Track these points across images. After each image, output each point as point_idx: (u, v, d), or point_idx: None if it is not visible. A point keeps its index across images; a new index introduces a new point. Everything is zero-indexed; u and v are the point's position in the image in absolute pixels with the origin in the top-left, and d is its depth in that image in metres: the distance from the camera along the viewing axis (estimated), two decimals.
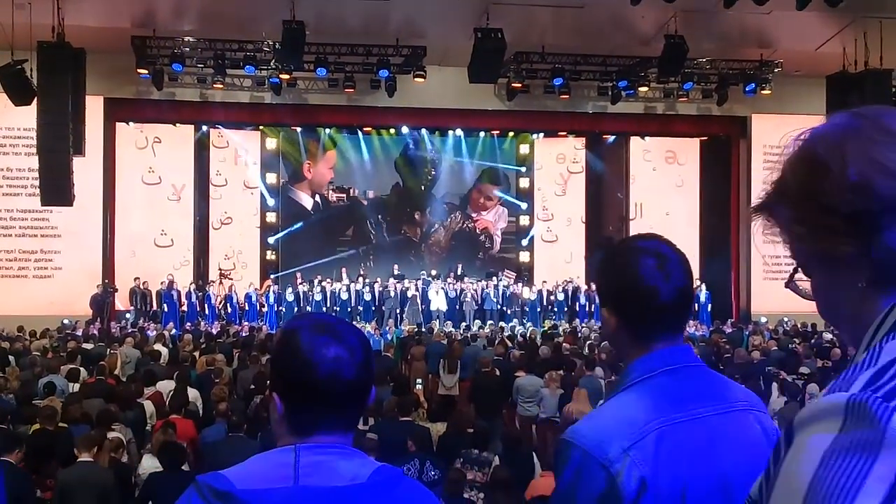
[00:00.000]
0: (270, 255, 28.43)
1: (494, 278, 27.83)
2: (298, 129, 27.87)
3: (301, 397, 1.90)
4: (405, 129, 27.92)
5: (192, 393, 11.95)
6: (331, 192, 29.23)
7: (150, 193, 26.20)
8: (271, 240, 28.51)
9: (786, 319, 23.75)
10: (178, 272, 26.02)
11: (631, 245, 2.14)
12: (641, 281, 2.03)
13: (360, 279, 26.62)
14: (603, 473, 1.90)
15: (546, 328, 22.18)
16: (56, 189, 18.82)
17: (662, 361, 2.04)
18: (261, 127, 27.39)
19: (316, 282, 26.14)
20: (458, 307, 26.08)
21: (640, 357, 2.07)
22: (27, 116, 19.45)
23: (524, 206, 30.02)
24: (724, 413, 2.03)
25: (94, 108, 21.81)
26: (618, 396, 2.07)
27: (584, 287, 27.25)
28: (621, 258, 2.12)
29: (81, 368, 13.81)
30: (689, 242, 28.20)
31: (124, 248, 25.27)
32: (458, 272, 28.12)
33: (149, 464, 8.36)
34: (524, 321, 24.96)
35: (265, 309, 25.69)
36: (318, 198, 29.14)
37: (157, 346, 17.37)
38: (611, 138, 28.92)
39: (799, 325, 22.60)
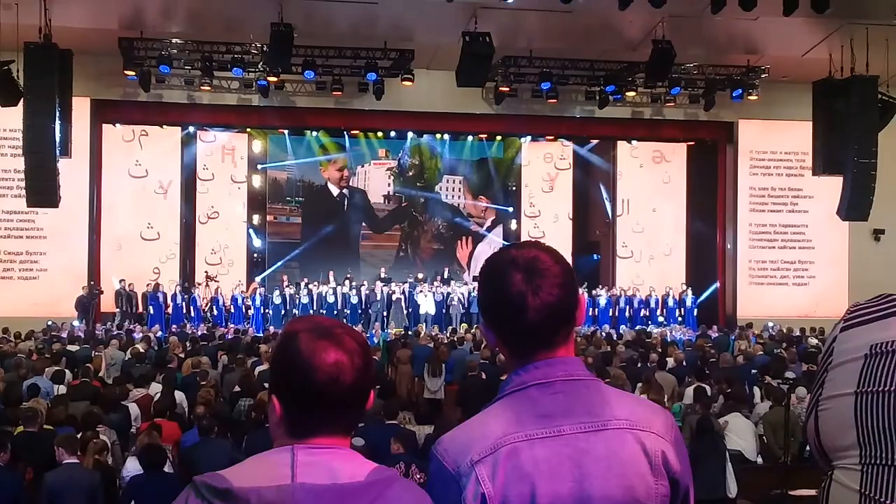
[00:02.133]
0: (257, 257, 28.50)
1: None
2: (286, 132, 27.84)
3: (300, 401, 1.92)
4: (393, 133, 27.95)
5: (178, 395, 11.94)
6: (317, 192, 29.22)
7: (137, 186, 26.10)
8: (257, 242, 28.51)
9: (771, 324, 23.82)
10: (164, 265, 26.06)
11: (503, 257, 2.07)
12: (508, 296, 1.99)
13: (347, 282, 26.59)
14: (454, 486, 1.91)
15: None
16: (42, 190, 18.73)
17: (535, 375, 2.01)
18: (248, 129, 27.32)
19: (302, 284, 26.08)
20: (444, 311, 26.08)
21: (516, 370, 2.04)
22: (13, 117, 19.34)
23: (511, 209, 30.00)
24: (593, 430, 1.97)
25: (81, 109, 21.74)
26: (486, 409, 2.06)
27: None
28: (492, 271, 2.06)
29: (66, 370, 13.77)
30: (675, 247, 28.33)
31: (110, 247, 25.19)
32: (445, 275, 28.12)
33: (133, 466, 8.33)
34: None
35: (251, 311, 25.63)
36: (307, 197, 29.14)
37: (142, 348, 17.33)
38: (594, 142, 29.03)
39: (785, 330, 22.64)
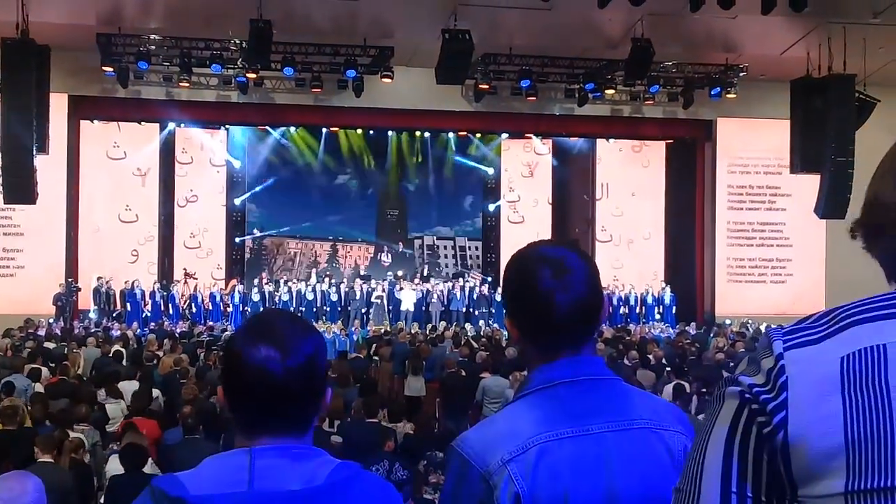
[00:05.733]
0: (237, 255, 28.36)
1: (461, 279, 27.79)
2: (265, 129, 27.70)
3: (236, 396, 1.91)
4: (371, 130, 27.87)
5: (155, 393, 11.88)
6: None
7: (115, 169, 25.92)
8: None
9: (750, 322, 23.92)
10: (143, 247, 26.06)
11: (531, 254, 2.06)
12: (537, 293, 1.98)
13: (327, 279, 26.53)
14: (482, 484, 1.90)
15: None
16: (19, 187, 18.60)
17: (562, 373, 2.00)
18: (227, 126, 27.20)
19: (282, 282, 26.02)
20: (424, 308, 26.05)
21: (541, 367, 2.03)
22: None
23: (492, 207, 29.93)
24: (620, 430, 1.99)
25: (59, 105, 21.58)
26: (511, 406, 2.06)
27: None
28: (519, 268, 2.05)
29: (43, 368, 13.69)
30: (654, 244, 28.39)
31: (88, 235, 25.02)
32: (425, 273, 28.09)
33: (115, 465, 8.28)
34: (490, 322, 24.94)
35: (230, 309, 25.51)
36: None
37: (119, 347, 17.25)
38: (577, 141, 28.97)
39: (762, 328, 22.71)
